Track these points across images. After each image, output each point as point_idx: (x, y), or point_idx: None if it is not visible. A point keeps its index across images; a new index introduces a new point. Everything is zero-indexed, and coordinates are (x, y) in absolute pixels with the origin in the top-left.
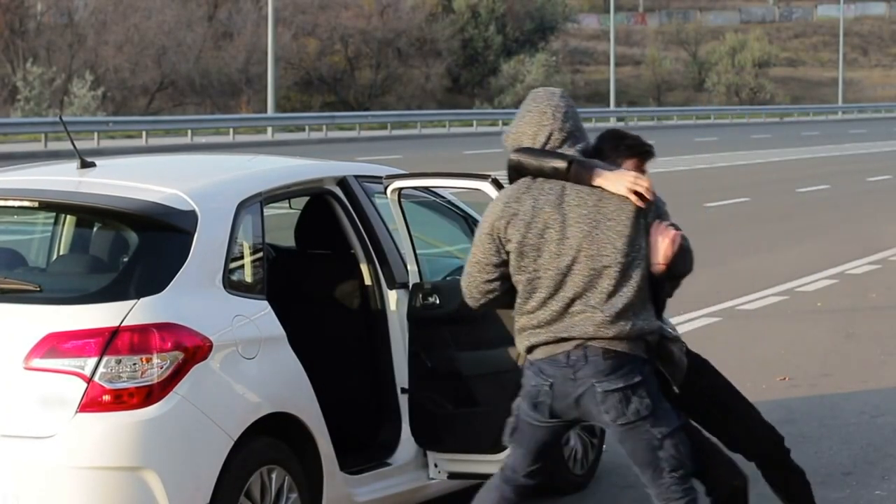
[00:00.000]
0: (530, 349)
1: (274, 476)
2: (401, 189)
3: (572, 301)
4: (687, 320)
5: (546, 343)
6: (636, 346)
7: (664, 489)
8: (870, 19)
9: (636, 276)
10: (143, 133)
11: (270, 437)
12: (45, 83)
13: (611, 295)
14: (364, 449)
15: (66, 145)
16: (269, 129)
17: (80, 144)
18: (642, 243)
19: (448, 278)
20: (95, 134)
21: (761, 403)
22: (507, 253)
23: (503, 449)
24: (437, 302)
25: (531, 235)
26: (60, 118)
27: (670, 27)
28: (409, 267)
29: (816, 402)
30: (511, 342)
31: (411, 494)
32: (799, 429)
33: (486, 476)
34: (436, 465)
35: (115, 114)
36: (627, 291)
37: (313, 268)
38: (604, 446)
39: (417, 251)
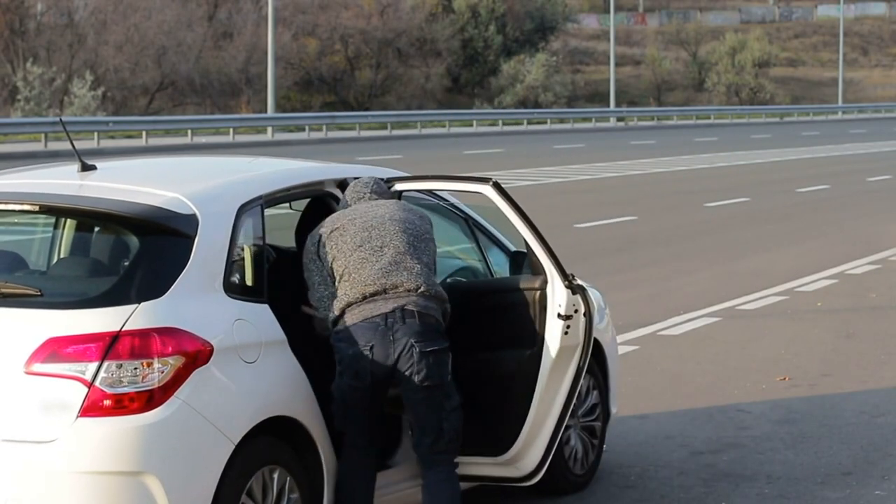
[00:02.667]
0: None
1: (276, 476)
2: (401, 192)
3: None
4: (687, 320)
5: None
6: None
7: (436, 456)
8: (870, 19)
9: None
10: (143, 133)
11: (272, 438)
12: (45, 83)
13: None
14: None
15: (66, 145)
16: (269, 130)
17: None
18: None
19: (449, 279)
20: (95, 134)
21: (761, 403)
22: None
23: (504, 451)
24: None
25: None
26: (61, 120)
27: (670, 27)
28: None
29: (816, 402)
30: (512, 345)
31: (412, 496)
32: (799, 429)
33: (486, 478)
34: None
35: (115, 114)
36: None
37: None
38: (604, 446)
39: None
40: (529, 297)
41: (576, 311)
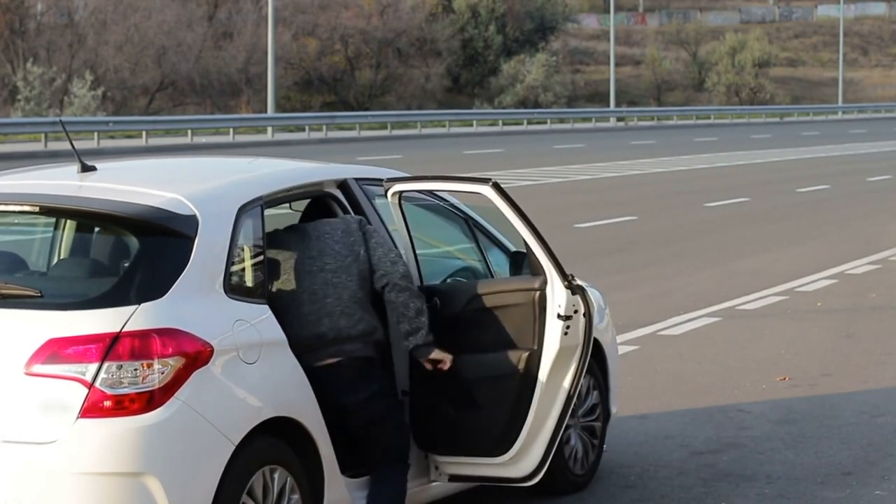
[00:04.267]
0: None
1: (276, 476)
2: (401, 192)
3: None
4: (687, 320)
5: None
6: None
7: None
8: (870, 19)
9: None
10: (143, 133)
11: (273, 438)
12: (45, 83)
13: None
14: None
15: (66, 145)
16: (269, 130)
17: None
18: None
19: (449, 280)
20: (95, 134)
21: (761, 403)
22: None
23: (504, 451)
24: (438, 305)
25: None
26: (61, 122)
27: (670, 27)
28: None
29: (816, 402)
30: (511, 345)
31: (413, 497)
32: (799, 429)
33: (486, 478)
34: (437, 468)
35: (115, 114)
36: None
37: None
38: (604, 446)
39: (418, 252)
40: (529, 298)
41: (575, 312)
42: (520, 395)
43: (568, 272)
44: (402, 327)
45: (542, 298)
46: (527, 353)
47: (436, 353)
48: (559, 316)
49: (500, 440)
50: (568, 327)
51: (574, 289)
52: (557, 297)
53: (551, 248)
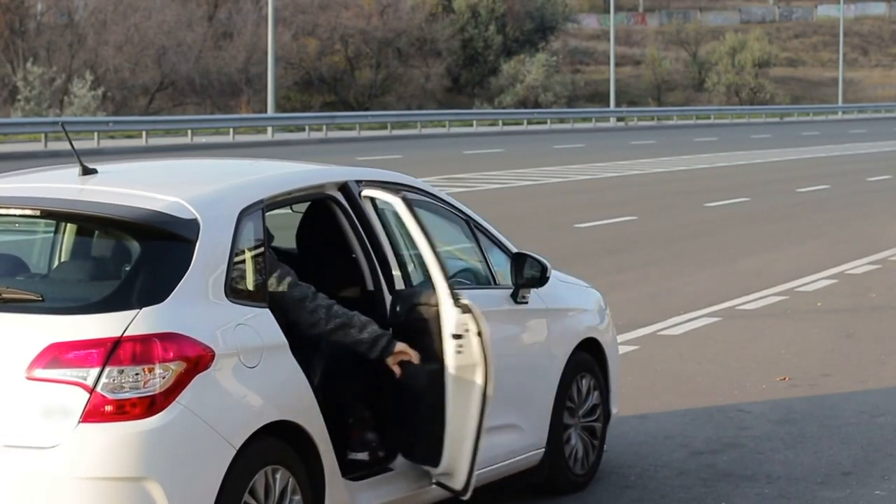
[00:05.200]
0: None
1: (278, 476)
2: (372, 196)
3: None
4: (687, 320)
5: None
6: None
7: None
8: (870, 19)
9: None
10: (143, 133)
11: (275, 439)
12: (45, 83)
13: None
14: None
15: (66, 145)
16: (269, 130)
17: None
18: None
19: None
20: (95, 134)
21: (761, 403)
22: None
23: (437, 463)
24: (398, 308)
25: None
26: (61, 123)
27: (670, 27)
28: (393, 273)
29: (816, 402)
30: (425, 359)
31: (413, 500)
32: (799, 429)
33: (447, 488)
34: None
35: (115, 114)
36: None
37: (315, 273)
38: (604, 446)
39: (411, 252)
40: (433, 314)
41: (467, 331)
42: (434, 410)
43: (456, 291)
44: (363, 348)
45: (439, 315)
46: (433, 369)
47: (399, 346)
48: (452, 335)
49: (431, 452)
50: (461, 346)
51: (462, 308)
52: (447, 316)
53: (445, 265)
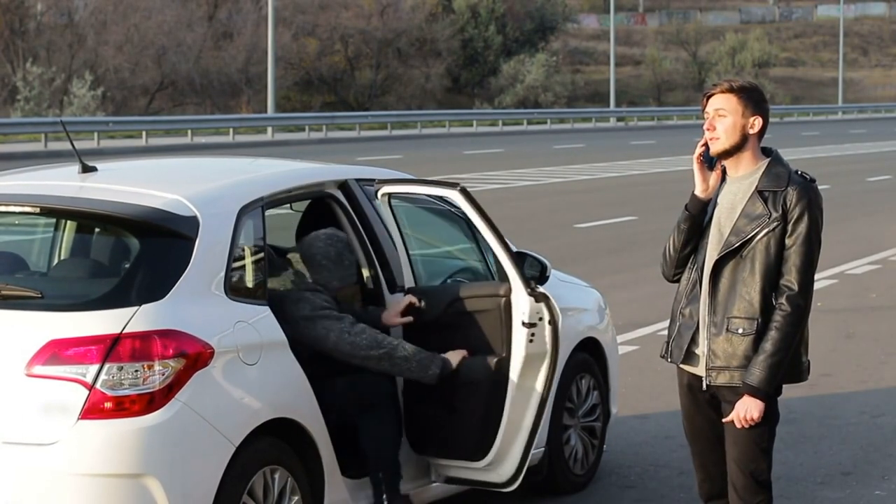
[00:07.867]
0: None
1: (277, 476)
2: (390, 194)
3: None
4: None
5: None
6: None
7: None
8: (870, 19)
9: None
10: (143, 133)
11: (274, 438)
12: (45, 83)
13: None
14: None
15: (66, 145)
16: (269, 130)
17: (80, 144)
18: None
19: (449, 280)
20: (95, 134)
21: None
22: None
23: (483, 456)
24: (424, 307)
25: None
26: (62, 122)
27: (670, 27)
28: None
29: (816, 402)
30: (483, 351)
31: (416, 496)
32: (799, 429)
33: (471, 482)
34: (435, 469)
35: (115, 114)
36: None
37: None
38: (604, 446)
39: (419, 252)
40: (497, 304)
41: (540, 320)
42: (492, 401)
43: (531, 280)
44: (414, 376)
45: (508, 305)
46: (496, 360)
47: (454, 359)
48: (523, 323)
49: (478, 445)
50: (533, 335)
51: (537, 296)
52: (521, 304)
53: (514, 253)
